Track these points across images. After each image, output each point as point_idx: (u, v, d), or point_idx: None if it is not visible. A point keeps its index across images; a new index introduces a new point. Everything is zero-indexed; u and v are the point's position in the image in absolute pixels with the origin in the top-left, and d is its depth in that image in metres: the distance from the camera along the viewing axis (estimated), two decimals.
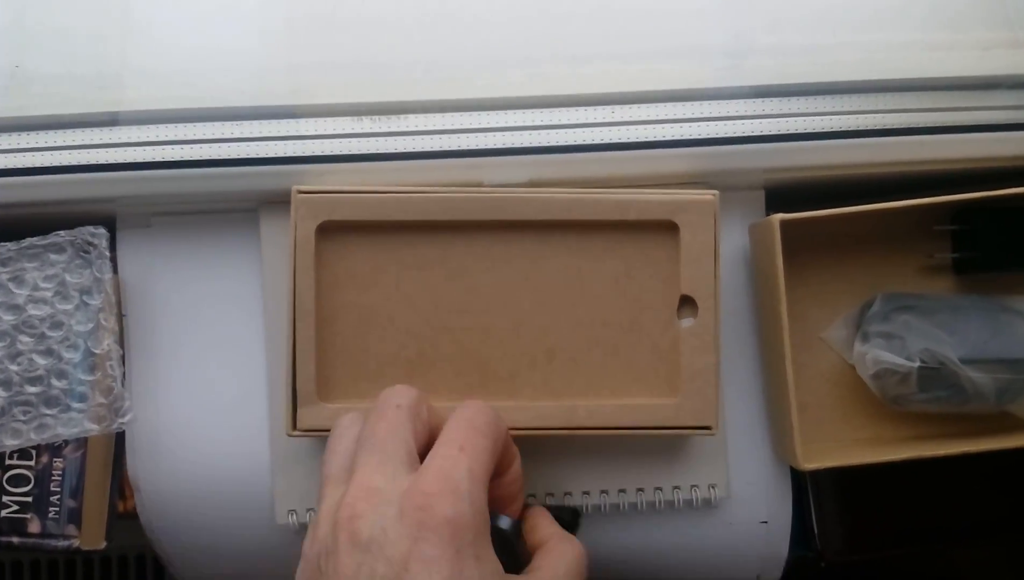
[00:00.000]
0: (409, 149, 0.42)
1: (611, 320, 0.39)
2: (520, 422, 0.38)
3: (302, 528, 0.42)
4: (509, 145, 0.41)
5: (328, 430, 0.37)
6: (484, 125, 0.42)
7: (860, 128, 0.42)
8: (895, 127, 0.42)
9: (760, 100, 0.43)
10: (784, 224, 0.40)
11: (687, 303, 0.39)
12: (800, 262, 0.44)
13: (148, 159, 0.41)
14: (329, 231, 0.39)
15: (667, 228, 0.39)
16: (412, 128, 0.42)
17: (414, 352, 0.39)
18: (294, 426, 0.38)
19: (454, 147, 0.42)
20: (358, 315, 0.39)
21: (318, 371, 0.38)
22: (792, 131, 0.42)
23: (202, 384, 0.44)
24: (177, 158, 0.42)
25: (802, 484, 0.45)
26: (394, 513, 0.29)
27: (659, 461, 0.43)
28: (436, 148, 0.42)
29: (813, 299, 0.44)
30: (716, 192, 0.39)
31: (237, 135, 0.42)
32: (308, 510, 0.42)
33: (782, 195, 0.45)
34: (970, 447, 0.39)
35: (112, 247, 0.44)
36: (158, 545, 0.45)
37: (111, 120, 0.42)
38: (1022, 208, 0.42)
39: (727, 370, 0.44)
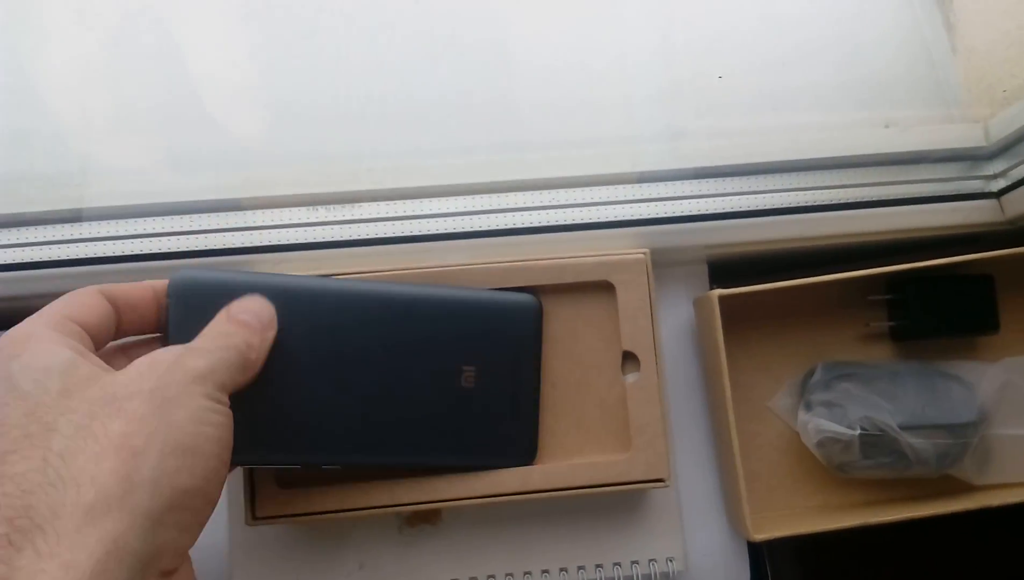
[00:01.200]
0: (361, 236, 0.43)
1: (558, 381, 0.40)
2: (477, 490, 0.39)
3: None
4: (456, 230, 0.43)
5: (291, 515, 0.38)
6: (426, 212, 0.43)
7: (794, 205, 0.44)
8: (827, 203, 0.44)
9: (698, 181, 0.45)
10: (723, 299, 0.41)
11: (630, 359, 0.40)
12: (743, 332, 0.45)
13: (109, 253, 0.43)
14: None
15: (604, 288, 0.41)
16: (363, 216, 0.44)
17: None
18: (253, 514, 0.39)
19: (403, 233, 0.43)
20: None
21: None
22: (729, 209, 0.44)
23: None
24: (136, 252, 0.43)
25: (759, 551, 0.45)
26: None
27: (615, 535, 0.43)
28: (386, 234, 0.43)
29: (758, 368, 0.45)
30: (647, 250, 0.41)
31: (195, 228, 0.44)
32: None
33: (725, 267, 0.46)
34: (915, 512, 0.40)
35: None
36: None
37: (74, 217, 0.44)
38: (951, 276, 0.44)
39: (680, 440, 0.45)
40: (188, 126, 0.46)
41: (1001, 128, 0.45)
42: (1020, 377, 0.43)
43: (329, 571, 0.43)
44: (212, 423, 0.29)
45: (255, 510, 0.38)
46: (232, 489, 0.43)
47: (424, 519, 0.43)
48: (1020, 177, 0.44)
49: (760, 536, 0.40)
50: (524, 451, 0.39)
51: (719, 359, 0.41)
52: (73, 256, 0.43)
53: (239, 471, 0.40)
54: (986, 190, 0.45)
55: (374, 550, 0.43)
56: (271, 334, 0.34)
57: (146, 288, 0.34)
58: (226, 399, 0.30)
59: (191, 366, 0.29)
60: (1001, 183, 0.45)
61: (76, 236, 0.43)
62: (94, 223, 0.43)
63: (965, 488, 0.43)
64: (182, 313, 0.34)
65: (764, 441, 0.45)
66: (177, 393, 0.28)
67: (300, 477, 0.39)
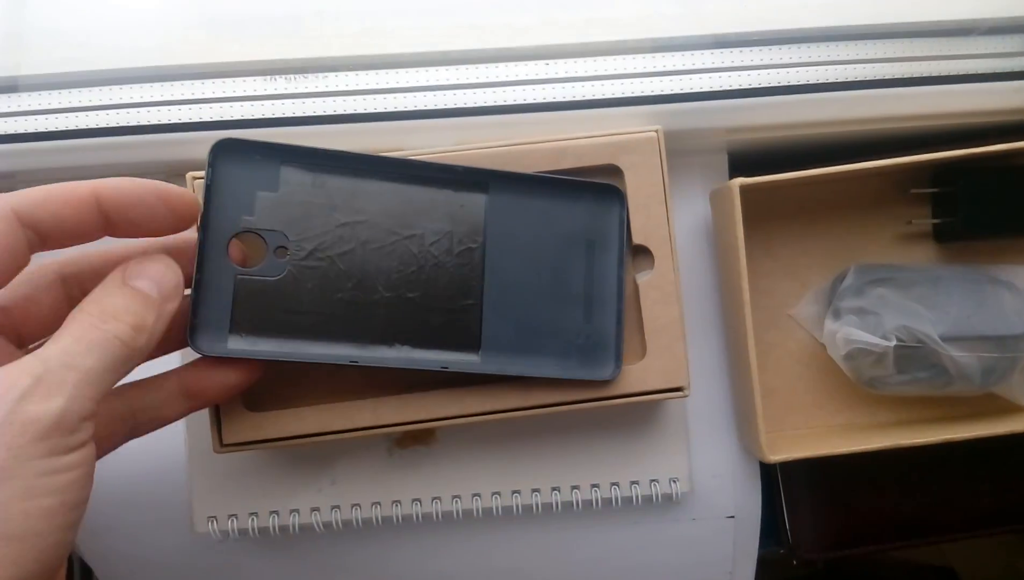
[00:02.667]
0: (326, 112, 0.37)
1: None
2: (472, 407, 0.34)
3: (223, 536, 0.38)
4: (434, 107, 0.37)
5: (261, 441, 0.34)
6: (407, 84, 0.37)
7: (830, 80, 0.38)
8: (868, 79, 0.38)
9: (719, 51, 0.39)
10: (745, 189, 0.36)
11: (642, 254, 0.35)
12: (767, 233, 0.40)
13: (49, 128, 0.37)
14: None
15: (611, 173, 0.35)
16: (328, 88, 0.38)
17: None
18: (220, 441, 0.34)
19: (374, 109, 0.37)
20: None
21: None
22: (755, 85, 0.38)
23: None
24: (78, 127, 0.37)
25: (772, 475, 0.41)
26: None
27: (614, 453, 0.39)
28: (354, 111, 0.37)
29: (781, 273, 0.40)
30: (659, 127, 0.35)
31: (138, 99, 0.38)
32: (230, 516, 0.38)
33: (748, 161, 0.41)
34: (953, 434, 0.36)
35: None
36: (77, 548, 0.41)
37: (11, 86, 0.38)
38: (1009, 167, 0.38)
39: (691, 354, 0.40)
40: None
41: None
42: None
43: (301, 487, 0.39)
44: (53, 490, 0.23)
45: (222, 436, 0.34)
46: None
47: (416, 439, 0.39)
48: None
49: (776, 457, 0.35)
50: (609, 360, 0.34)
51: (738, 259, 0.35)
52: (9, 131, 0.37)
53: None
54: None
55: (355, 471, 0.39)
56: (171, 307, 0.27)
57: (83, 194, 0.26)
58: (89, 427, 0.24)
59: (32, 417, 0.22)
60: None
61: (15, 108, 0.38)
62: (34, 93, 0.38)
63: (1011, 408, 0.38)
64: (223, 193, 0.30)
65: (783, 353, 0.40)
66: (4, 462, 0.22)
67: (271, 397, 0.34)
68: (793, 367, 0.40)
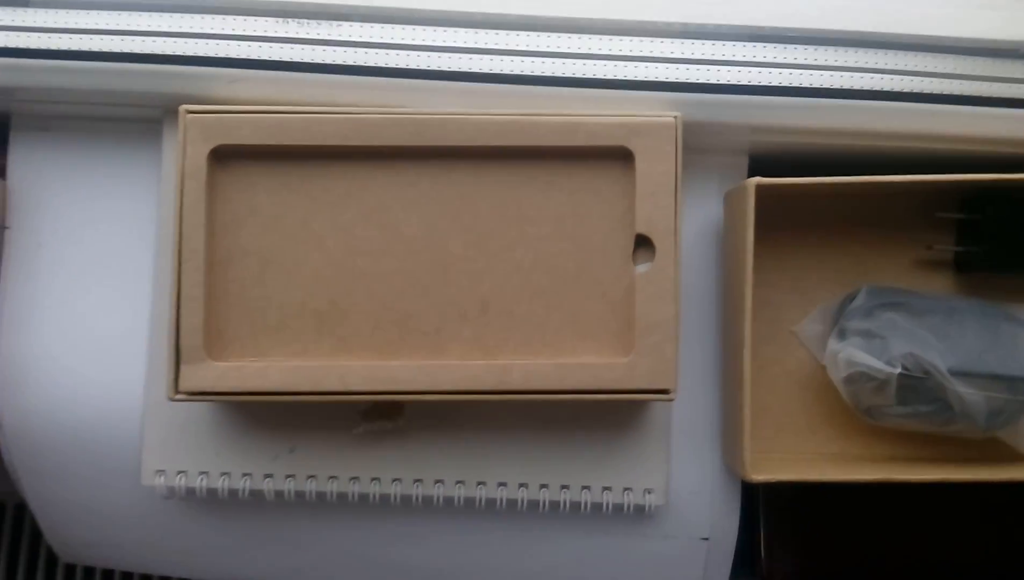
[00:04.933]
0: (335, 62, 0.36)
1: (555, 265, 0.34)
2: (444, 384, 0.33)
3: (170, 492, 0.37)
4: (447, 68, 0.35)
5: (220, 393, 0.32)
6: (421, 42, 0.36)
7: (865, 88, 0.36)
8: (906, 91, 0.36)
9: (753, 44, 0.37)
10: (762, 190, 0.34)
11: (643, 245, 0.34)
12: (779, 242, 0.38)
13: (53, 47, 0.36)
14: (226, 158, 0.33)
15: (621, 156, 0.33)
16: (341, 37, 0.36)
17: (324, 302, 0.33)
18: (176, 388, 0.33)
19: (384, 64, 0.36)
20: (259, 258, 0.33)
21: (208, 323, 0.33)
22: (787, 84, 0.36)
23: (81, 315, 0.39)
24: (84, 48, 0.36)
25: (753, 498, 0.39)
26: None
27: (589, 453, 0.37)
28: (364, 63, 0.36)
29: (790, 286, 0.38)
30: (678, 114, 0.34)
31: (147, 28, 0.37)
32: (179, 472, 0.37)
33: (770, 167, 0.38)
34: (950, 475, 0.34)
35: (3, 151, 0.40)
36: (23, 493, 0.40)
37: (23, 1, 0.37)
38: None
39: (681, 361, 0.38)
40: None
41: None
42: None
43: (257, 450, 0.37)
44: None
45: (179, 382, 0.32)
46: (155, 348, 0.37)
47: (383, 414, 0.37)
48: None
49: (758, 477, 0.34)
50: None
51: (744, 264, 0.34)
52: (14, 45, 0.36)
53: (167, 334, 0.33)
54: None
55: (317, 441, 0.37)
56: None
57: None
58: None
59: None
60: None
61: (23, 23, 0.36)
62: (42, 10, 0.36)
63: (1014, 455, 0.36)
64: None
65: (781, 370, 0.38)
66: None
67: (238, 346, 0.33)
68: (790, 387, 0.38)
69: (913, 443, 0.38)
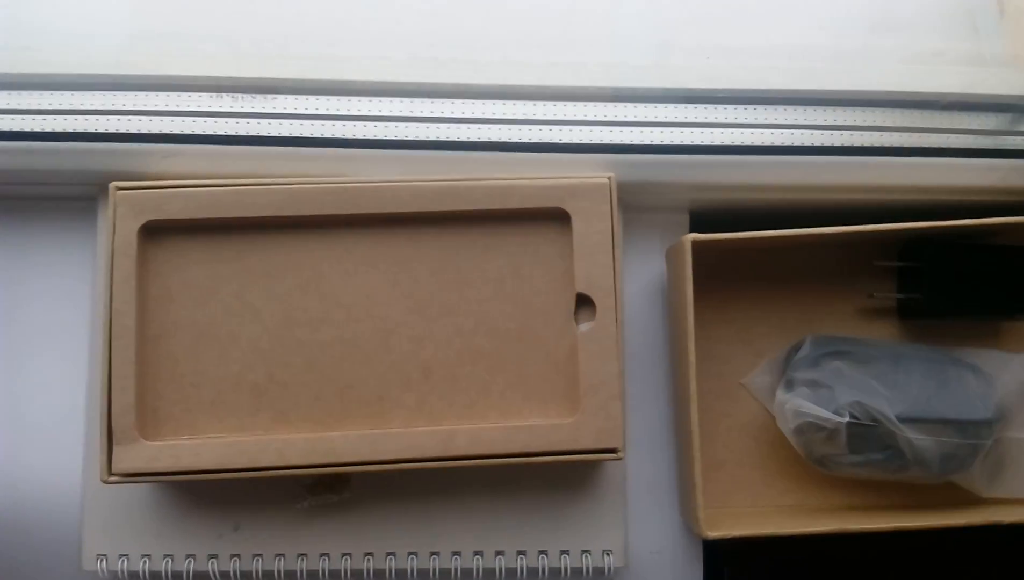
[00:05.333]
0: (271, 134, 0.36)
1: (497, 328, 0.33)
2: (388, 454, 0.32)
3: (112, 577, 0.35)
4: (383, 137, 0.36)
5: (154, 473, 0.31)
6: (357, 112, 0.36)
7: (798, 144, 0.37)
8: (838, 145, 0.37)
9: (687, 106, 0.38)
10: (699, 246, 0.34)
11: (584, 304, 0.33)
12: (723, 297, 0.38)
13: None
14: (158, 233, 0.33)
15: (558, 218, 0.33)
16: (276, 110, 0.36)
17: (261, 375, 0.33)
18: (109, 470, 0.32)
19: (320, 135, 0.36)
20: (193, 332, 0.33)
21: (140, 402, 0.32)
22: (721, 143, 0.37)
23: (16, 397, 0.38)
24: (12, 129, 0.36)
25: (716, 553, 0.38)
26: None
27: (544, 518, 0.36)
28: (300, 135, 0.36)
29: (736, 339, 0.38)
30: (611, 175, 0.34)
31: (79, 105, 0.37)
32: (121, 556, 0.35)
33: (711, 223, 0.39)
34: (905, 523, 0.33)
35: None
36: None
37: None
38: (976, 246, 0.36)
39: (634, 415, 0.38)
40: None
41: None
42: None
43: (200, 530, 0.36)
44: None
45: (111, 464, 0.31)
46: (91, 430, 0.36)
47: (328, 487, 0.36)
48: None
49: (713, 534, 0.33)
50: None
51: (686, 318, 0.33)
52: None
53: (98, 414, 0.32)
54: None
55: (261, 517, 0.36)
56: None
57: None
58: None
59: None
60: None
61: None
62: None
63: (969, 500, 0.36)
64: None
65: (733, 423, 0.38)
66: None
67: (171, 424, 0.32)
68: (743, 440, 0.38)
69: (869, 491, 0.37)
